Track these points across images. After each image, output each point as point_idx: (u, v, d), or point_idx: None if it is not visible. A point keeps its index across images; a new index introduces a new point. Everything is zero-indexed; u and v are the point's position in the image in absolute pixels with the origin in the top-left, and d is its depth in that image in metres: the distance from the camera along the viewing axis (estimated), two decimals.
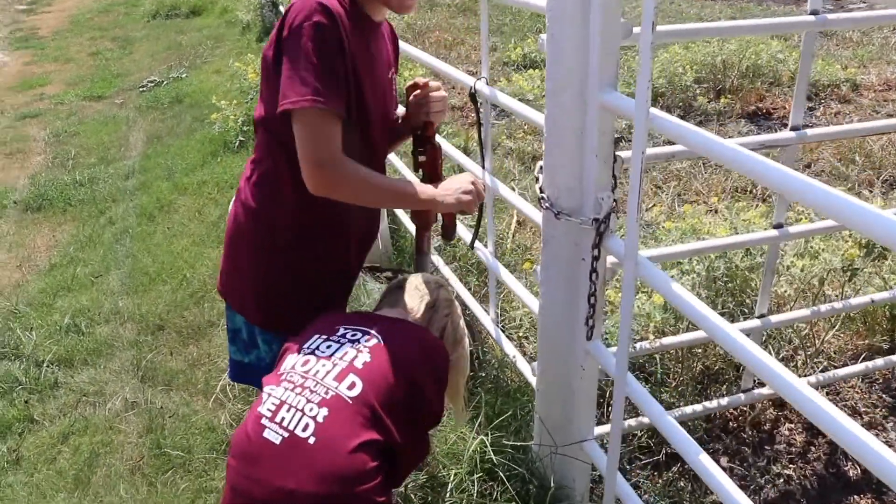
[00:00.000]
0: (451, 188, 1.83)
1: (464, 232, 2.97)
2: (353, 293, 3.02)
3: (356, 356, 1.50)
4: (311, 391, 1.44)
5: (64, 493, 2.69)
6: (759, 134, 5.56)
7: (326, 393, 1.43)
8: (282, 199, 1.78)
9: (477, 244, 2.75)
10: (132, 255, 4.35)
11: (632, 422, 2.39)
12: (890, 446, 2.79)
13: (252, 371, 1.95)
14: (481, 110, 2.43)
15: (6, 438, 3.03)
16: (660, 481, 2.52)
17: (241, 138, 5.93)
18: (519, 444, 2.18)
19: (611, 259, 1.81)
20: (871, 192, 4.52)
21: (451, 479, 2.28)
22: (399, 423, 1.46)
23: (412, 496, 2.29)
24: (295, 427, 1.40)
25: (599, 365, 1.84)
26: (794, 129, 2.05)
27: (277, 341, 1.87)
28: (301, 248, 1.82)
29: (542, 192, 1.78)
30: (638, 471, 2.58)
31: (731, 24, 1.91)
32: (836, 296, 2.96)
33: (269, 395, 1.48)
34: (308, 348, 1.56)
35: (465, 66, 7.47)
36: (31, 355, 3.49)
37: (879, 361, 2.67)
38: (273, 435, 1.40)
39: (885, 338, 3.08)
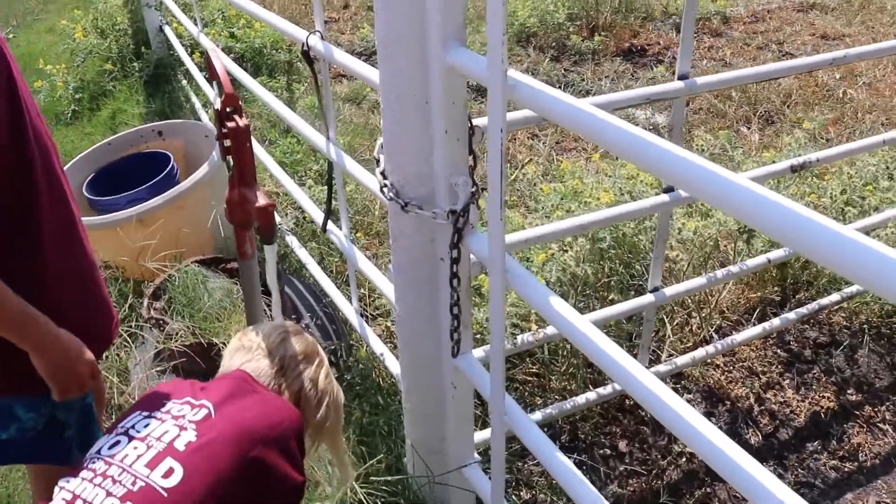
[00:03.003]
0: (72, 354, 1.38)
1: (316, 211, 2.57)
2: (193, 294, 2.59)
3: (178, 435, 1.17)
4: (115, 481, 1.12)
5: None
6: (634, 72, 5.35)
7: (134, 483, 1.11)
8: None
9: (331, 226, 2.37)
10: None
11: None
12: (787, 406, 2.69)
13: (17, 446, 1.51)
14: (318, 71, 2.02)
15: None
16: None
17: (75, 108, 5.23)
18: (392, 478, 1.84)
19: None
20: (748, 128, 4.40)
21: None
22: None
23: None
24: None
25: (472, 385, 1.51)
26: (681, 77, 1.75)
27: (46, 402, 1.45)
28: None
29: (384, 177, 1.41)
30: (532, 467, 2.31)
31: None
32: (727, 251, 2.76)
33: (62, 488, 1.14)
34: (122, 427, 1.22)
35: (327, 13, 6.91)
36: None
37: (776, 321, 2.48)
38: None
39: (776, 289, 2.92)
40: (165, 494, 1.09)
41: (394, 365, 2.17)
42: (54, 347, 1.36)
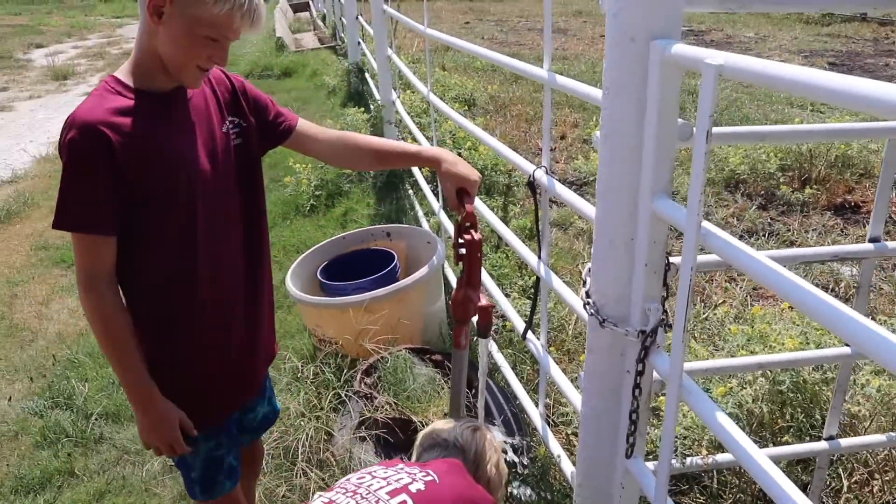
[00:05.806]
0: (163, 426, 1.80)
1: (518, 321, 2.87)
2: (400, 376, 2.95)
3: (411, 482, 1.51)
4: (363, 497, 1.45)
5: None
6: (844, 228, 5.30)
7: (377, 503, 1.43)
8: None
9: (530, 335, 2.65)
10: None
11: None
12: None
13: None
14: (539, 200, 2.36)
15: (45, 490, 3.03)
16: None
17: (313, 202, 6.00)
18: None
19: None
20: None
21: None
22: None
23: None
24: None
25: (639, 488, 1.70)
26: (872, 240, 1.90)
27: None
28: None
29: (588, 297, 1.68)
30: None
31: (802, 129, 1.79)
32: None
33: (320, 496, 1.50)
34: (365, 471, 1.59)
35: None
36: (81, 407, 3.52)
37: None
38: None
39: None
40: None
41: (568, 467, 2.37)
42: (152, 412, 1.78)
